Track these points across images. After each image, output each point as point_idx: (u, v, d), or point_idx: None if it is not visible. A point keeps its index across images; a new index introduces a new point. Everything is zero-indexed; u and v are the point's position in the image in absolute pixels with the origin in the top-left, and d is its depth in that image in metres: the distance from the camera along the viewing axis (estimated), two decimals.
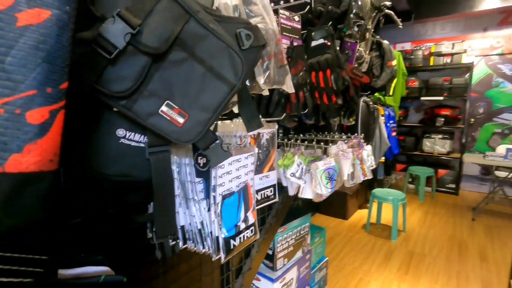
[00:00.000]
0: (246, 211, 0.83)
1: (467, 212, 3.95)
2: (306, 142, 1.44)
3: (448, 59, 4.55)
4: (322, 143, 1.41)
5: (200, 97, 0.55)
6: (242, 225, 0.82)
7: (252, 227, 0.85)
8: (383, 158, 3.75)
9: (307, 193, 1.32)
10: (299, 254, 1.92)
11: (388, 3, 2.66)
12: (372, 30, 2.61)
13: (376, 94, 3.99)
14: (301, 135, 1.60)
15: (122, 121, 0.54)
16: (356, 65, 1.52)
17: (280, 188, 1.51)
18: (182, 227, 0.82)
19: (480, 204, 3.89)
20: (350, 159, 1.40)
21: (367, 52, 2.61)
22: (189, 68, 0.53)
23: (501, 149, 4.07)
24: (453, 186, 4.73)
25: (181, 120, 0.55)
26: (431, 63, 4.69)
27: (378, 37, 3.55)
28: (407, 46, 5.10)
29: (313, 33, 1.13)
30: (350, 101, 1.27)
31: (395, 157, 4.75)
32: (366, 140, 2.25)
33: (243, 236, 0.82)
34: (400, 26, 3.12)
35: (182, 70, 0.53)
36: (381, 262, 2.74)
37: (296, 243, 1.88)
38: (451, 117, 4.66)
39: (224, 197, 0.77)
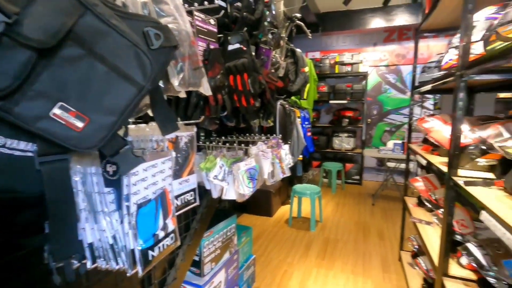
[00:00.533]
0: (165, 218, 0.79)
1: (368, 199, 4.63)
2: (227, 144, 1.45)
3: (349, 68, 5.26)
4: (243, 145, 1.45)
5: (103, 99, 0.50)
6: (161, 234, 0.78)
7: (172, 234, 0.82)
8: (300, 156, 4.09)
9: (230, 194, 1.34)
10: (226, 256, 1.93)
11: (298, 15, 2.92)
12: (286, 38, 2.82)
13: (293, 97, 4.33)
14: (223, 138, 1.62)
15: (0, 126, 0.45)
16: (272, 70, 1.62)
17: (204, 191, 1.49)
18: (91, 245, 0.73)
19: (377, 191, 4.62)
20: (270, 159, 1.48)
21: (282, 58, 2.80)
22: (87, 67, 0.48)
23: (390, 144, 4.92)
24: (357, 177, 5.49)
25: (80, 124, 0.49)
26: (337, 71, 5.35)
27: (292, 45, 3.85)
28: (317, 55, 5.70)
29: (229, 38, 1.16)
30: (267, 103, 1.34)
31: (311, 155, 5.22)
32: (284, 140, 2.42)
33: (163, 245, 0.78)
34: (310, 37, 3.46)
35: (79, 68, 0.47)
36: (303, 252, 2.97)
37: (223, 245, 1.88)
38: (354, 118, 5.40)
39: (139, 206, 0.72)
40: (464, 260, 1.42)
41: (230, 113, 1.17)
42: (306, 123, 4.39)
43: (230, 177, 1.33)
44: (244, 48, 1.16)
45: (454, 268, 1.43)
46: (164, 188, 0.80)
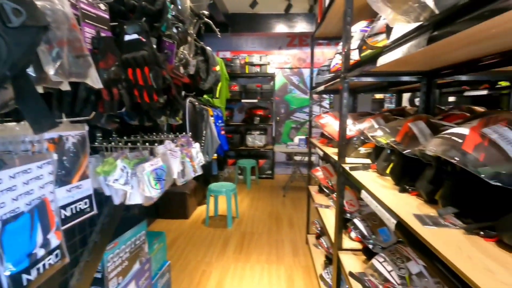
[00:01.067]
0: (46, 232, 0.67)
1: (280, 191, 4.99)
2: (129, 144, 1.33)
3: (258, 69, 5.55)
4: (147, 144, 1.35)
5: None
6: (41, 252, 0.65)
7: (58, 251, 0.69)
8: (215, 155, 4.11)
9: (135, 198, 1.23)
10: (136, 266, 1.77)
11: (206, 12, 2.89)
12: (195, 35, 2.77)
13: (205, 96, 4.29)
14: (125, 138, 1.47)
15: None
16: (177, 64, 1.56)
17: (105, 198, 1.33)
18: None
19: (287, 183, 5.03)
20: (179, 158, 1.43)
21: (191, 55, 2.73)
22: None
23: (296, 139, 5.42)
24: (270, 172, 5.85)
25: None
26: (247, 71, 5.56)
27: (202, 43, 3.79)
28: (228, 54, 5.80)
29: (125, 27, 1.05)
30: (173, 100, 1.28)
31: (226, 153, 5.30)
32: (195, 138, 2.37)
33: (44, 265, 0.65)
34: (219, 36, 3.48)
35: None
36: (220, 250, 2.99)
37: (132, 256, 1.72)
38: (264, 116, 5.73)
39: (5, 222, 0.58)
40: (353, 234, 1.68)
41: (129, 109, 1.07)
42: (220, 121, 4.42)
43: (135, 179, 1.22)
44: (144, 40, 1.07)
45: (346, 242, 1.68)
46: (43, 197, 0.67)
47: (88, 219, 1.01)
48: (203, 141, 2.94)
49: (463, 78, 1.47)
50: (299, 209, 4.14)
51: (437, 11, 0.63)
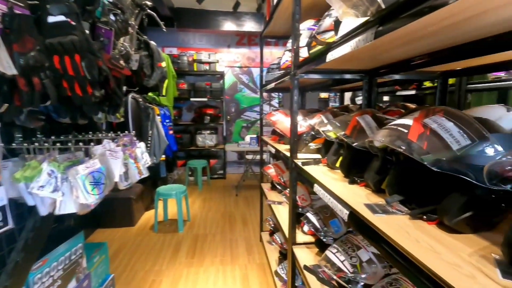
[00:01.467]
0: None
1: (232, 191, 4.95)
2: (58, 144, 1.15)
3: (207, 67, 5.41)
4: (82, 144, 1.19)
5: None
6: None
7: None
8: (163, 156, 3.88)
9: (68, 207, 1.07)
10: (72, 285, 1.55)
11: (149, 3, 2.70)
12: (137, 27, 2.56)
13: (150, 94, 4.03)
14: (54, 137, 1.27)
15: None
16: (117, 57, 1.41)
17: (28, 209, 1.13)
18: None
19: (240, 182, 5.01)
20: (121, 159, 1.28)
21: (133, 49, 2.53)
22: None
23: (247, 138, 5.43)
24: (221, 172, 5.76)
25: None
26: (195, 69, 5.39)
27: (146, 37, 3.55)
28: (174, 51, 5.54)
29: (48, 6, 0.90)
30: (112, 94, 1.14)
31: (175, 154, 5.06)
32: (139, 137, 2.19)
33: None
34: (164, 30, 3.29)
35: None
36: (172, 256, 2.83)
37: (67, 273, 1.51)
38: (214, 115, 5.62)
39: None
40: (306, 228, 1.72)
41: (55, 102, 0.91)
42: (167, 121, 4.20)
43: (66, 185, 1.05)
44: (73, 23, 0.93)
45: (299, 236, 1.71)
46: None
47: (3, 235, 0.83)
48: (149, 142, 2.74)
49: (397, 77, 1.60)
50: (252, 207, 4.15)
51: (383, 5, 0.65)
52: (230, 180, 5.69)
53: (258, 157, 4.91)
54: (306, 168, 1.37)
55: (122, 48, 1.83)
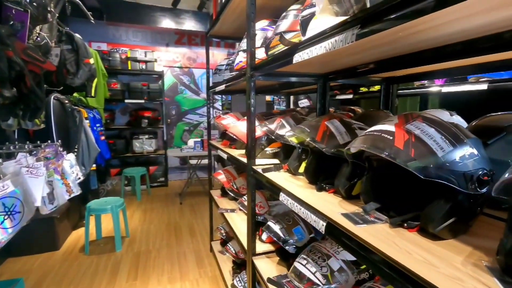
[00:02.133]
0: None
1: (176, 199, 4.64)
2: None
3: (143, 66, 4.98)
4: None
5: None
6: None
7: None
8: (94, 165, 3.40)
9: None
10: None
11: None
12: (57, 15, 2.16)
13: (76, 94, 3.50)
14: None
15: None
16: (31, 45, 1.12)
17: None
18: None
19: (184, 189, 4.72)
20: (43, 176, 1.01)
21: (53, 41, 2.14)
22: None
23: (191, 142, 5.17)
24: (163, 179, 5.36)
25: None
26: (130, 67, 4.90)
27: (68, 28, 3.08)
28: (104, 46, 4.96)
29: None
30: (29, 94, 0.89)
31: (108, 162, 4.52)
32: (67, 147, 1.85)
33: None
34: (92, 21, 2.89)
35: None
36: (109, 280, 2.46)
37: None
38: (153, 118, 5.20)
39: None
40: (264, 236, 1.65)
41: None
42: (98, 125, 3.71)
43: None
44: None
45: (258, 245, 1.63)
46: None
47: None
48: (76, 150, 2.35)
49: (342, 81, 1.65)
50: (199, 216, 3.93)
51: (368, 4, 0.60)
52: (172, 187, 5.34)
53: (203, 161, 4.71)
54: (267, 175, 1.30)
55: (39, 39, 1.50)
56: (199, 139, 4.63)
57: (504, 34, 0.68)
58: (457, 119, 1.16)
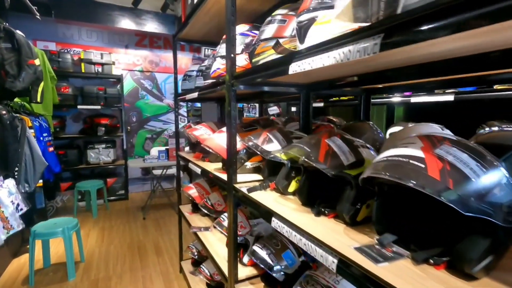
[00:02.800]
0: None
1: (138, 213, 4.27)
2: None
3: (99, 68, 4.55)
4: None
5: None
6: None
7: None
8: (41, 181, 2.95)
9: None
10: None
11: None
12: None
13: (18, 99, 3.04)
14: None
15: None
16: None
17: None
18: None
19: (147, 202, 4.37)
20: None
21: None
22: None
23: (154, 151, 4.83)
24: (122, 192, 4.92)
25: None
26: (83, 70, 4.45)
27: (7, 24, 2.68)
28: (52, 46, 4.45)
29: None
30: None
31: (58, 176, 4.01)
32: (3, 169, 1.53)
33: None
34: (38, 17, 2.54)
35: None
36: None
37: None
38: (111, 125, 4.77)
39: None
40: (246, 258, 1.50)
41: None
42: (45, 134, 3.26)
43: None
44: None
45: (239, 270, 1.48)
46: None
47: None
48: (16, 171, 1.98)
49: (332, 92, 1.59)
50: (165, 232, 3.64)
51: (399, 10, 0.51)
52: (134, 200, 4.92)
53: (169, 171, 4.41)
54: (254, 195, 1.17)
55: None
56: (163, 148, 4.33)
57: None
58: (449, 134, 1.14)
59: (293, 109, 4.36)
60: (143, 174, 5.43)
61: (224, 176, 1.48)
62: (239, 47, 1.39)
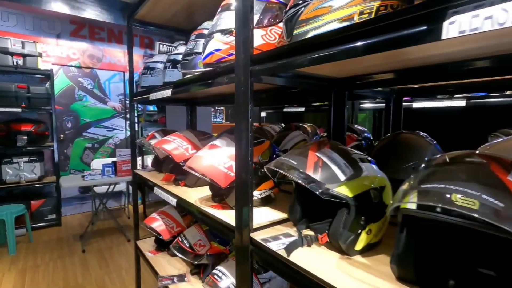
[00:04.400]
0: None
1: (75, 244, 3.38)
2: None
3: (19, 60, 3.56)
4: None
5: None
6: None
7: None
8: None
9: None
10: None
11: None
12: None
13: None
14: None
15: None
16: None
17: None
18: None
19: (87, 229, 3.51)
20: None
21: None
22: None
23: (96, 164, 3.96)
24: (53, 216, 3.92)
25: None
26: None
27: None
28: None
29: None
30: None
31: None
32: None
33: None
34: None
35: None
36: None
37: None
38: (36, 133, 3.76)
39: None
40: None
41: None
42: None
43: None
44: None
45: None
46: None
47: None
48: None
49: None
50: (114, 268, 2.87)
51: None
52: (69, 226, 3.96)
53: (118, 188, 3.61)
54: (296, 258, 0.69)
55: None
56: (109, 161, 3.53)
57: None
58: None
59: (263, 114, 3.95)
60: (81, 192, 4.46)
61: (225, 217, 0.97)
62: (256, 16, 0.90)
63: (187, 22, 1.97)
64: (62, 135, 4.29)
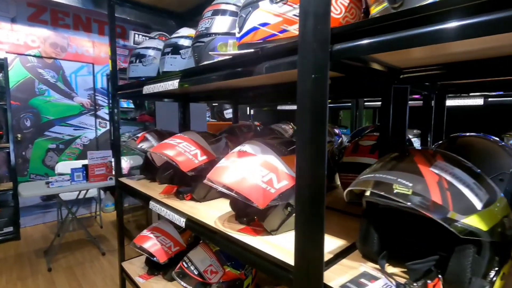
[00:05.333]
0: None
1: (39, 262, 2.91)
2: None
3: None
4: None
5: None
6: None
7: None
8: None
9: None
10: None
11: None
12: None
13: None
14: None
15: None
16: None
17: None
18: None
19: (53, 242, 3.04)
20: None
21: None
22: None
23: (62, 167, 3.47)
24: (10, 229, 3.37)
25: None
26: None
27: None
28: None
29: None
30: None
31: None
32: None
33: None
34: None
35: None
36: None
37: None
38: None
39: None
40: None
41: None
42: None
43: None
44: None
45: None
46: None
47: None
48: None
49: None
50: (89, 287, 2.49)
51: None
52: (31, 240, 3.43)
53: (90, 193, 3.17)
54: None
55: None
56: (79, 164, 3.08)
57: None
58: None
59: (252, 112, 3.71)
60: (44, 199, 3.92)
61: (270, 249, 0.74)
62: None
63: (178, 4, 1.69)
64: (19, 135, 3.71)
